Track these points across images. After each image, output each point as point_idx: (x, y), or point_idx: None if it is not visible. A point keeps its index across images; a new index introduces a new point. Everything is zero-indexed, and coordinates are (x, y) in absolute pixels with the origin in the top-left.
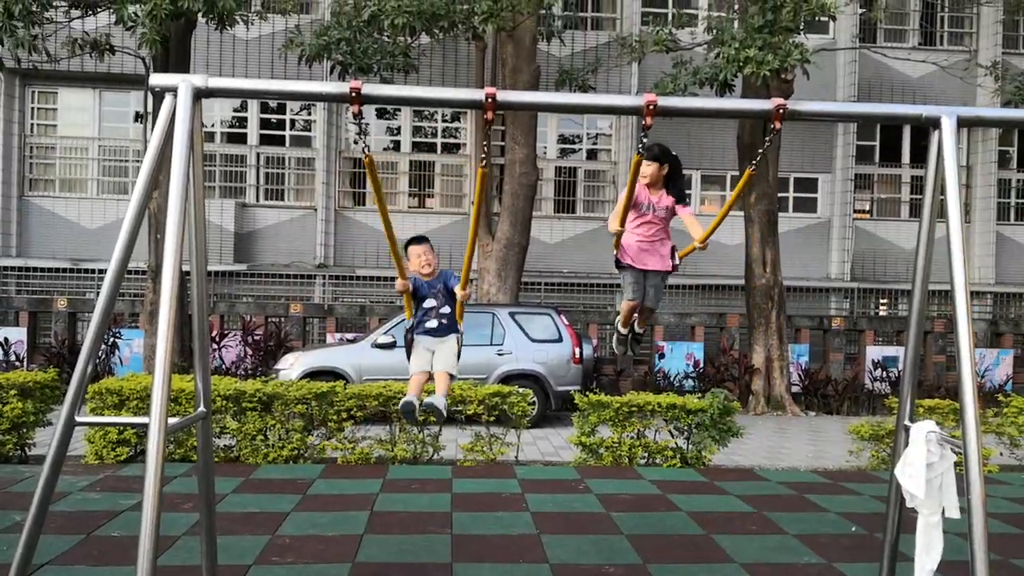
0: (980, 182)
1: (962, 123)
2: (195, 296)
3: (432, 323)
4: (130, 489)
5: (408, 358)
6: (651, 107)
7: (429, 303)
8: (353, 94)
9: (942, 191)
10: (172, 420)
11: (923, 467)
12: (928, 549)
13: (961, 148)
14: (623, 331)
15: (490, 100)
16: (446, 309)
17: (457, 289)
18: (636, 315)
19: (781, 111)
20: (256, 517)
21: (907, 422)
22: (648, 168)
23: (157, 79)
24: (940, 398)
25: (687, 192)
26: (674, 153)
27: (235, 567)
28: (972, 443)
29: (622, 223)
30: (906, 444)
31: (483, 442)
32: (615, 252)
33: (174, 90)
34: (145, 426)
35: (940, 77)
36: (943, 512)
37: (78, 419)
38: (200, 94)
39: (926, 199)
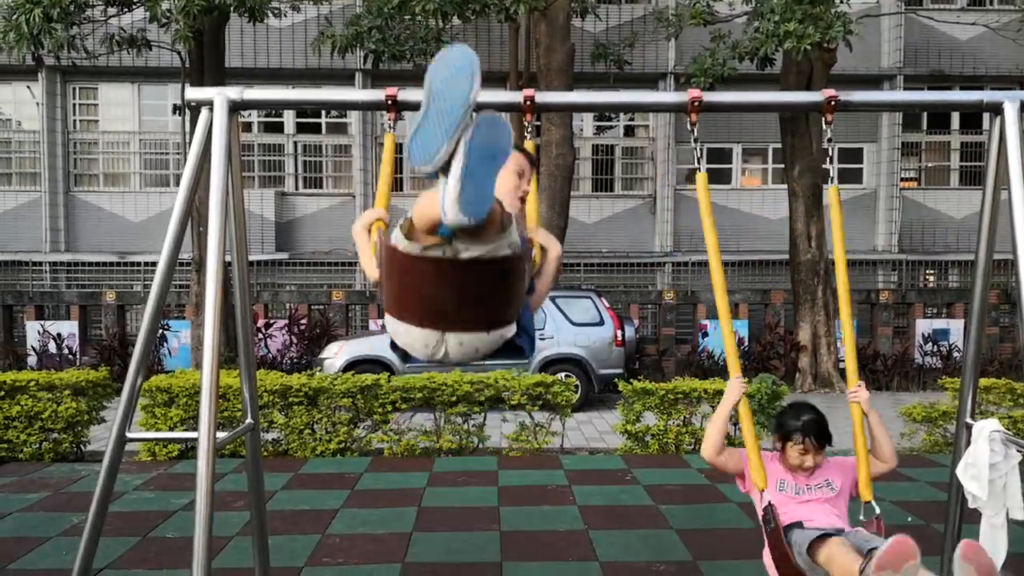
0: None
1: None
2: (238, 306)
3: None
4: (182, 487)
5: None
6: (695, 104)
7: None
8: (389, 101)
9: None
10: (221, 435)
11: (986, 467)
12: (993, 551)
13: None
14: None
15: (528, 102)
16: None
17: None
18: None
19: (832, 103)
20: (306, 515)
21: (969, 420)
22: (800, 458)
23: (193, 93)
24: (994, 373)
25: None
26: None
27: (287, 569)
28: None
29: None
30: (967, 443)
31: (528, 431)
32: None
33: (210, 104)
34: (195, 440)
35: (990, 39)
36: (1007, 513)
37: (129, 435)
38: (236, 107)
39: (987, 190)
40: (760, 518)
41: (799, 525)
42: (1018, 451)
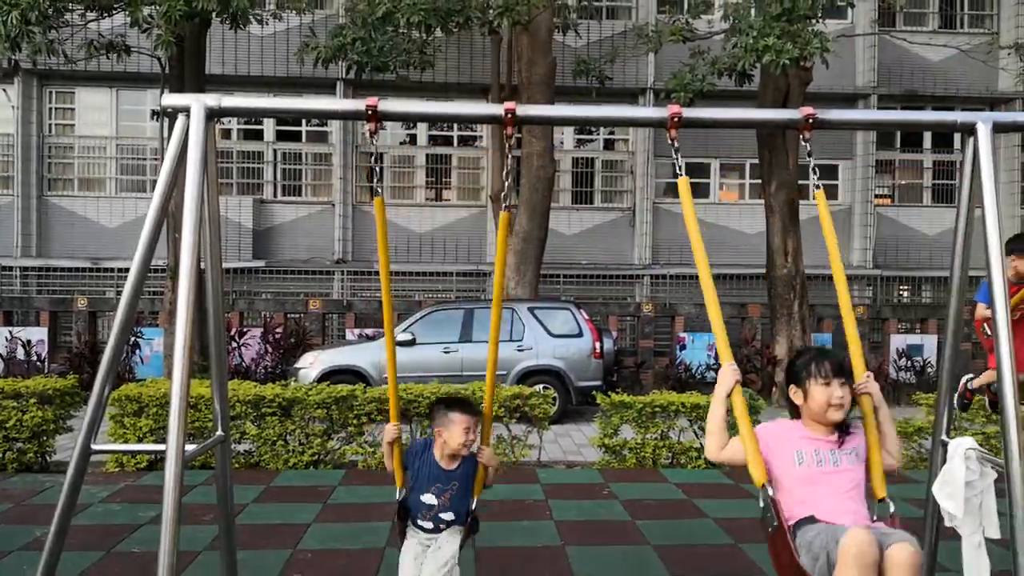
0: (1003, 166)
1: (998, 128)
2: (211, 315)
3: (427, 523)
4: (150, 500)
5: (399, 538)
6: (676, 119)
7: (428, 499)
8: (369, 112)
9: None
10: (190, 448)
11: (962, 485)
12: (978, 572)
13: None
14: None
15: (509, 115)
16: (448, 516)
17: (481, 451)
18: None
19: (810, 121)
20: (277, 530)
21: (944, 437)
22: (827, 392)
23: (170, 100)
24: None
25: None
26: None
27: None
28: (1013, 444)
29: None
30: (943, 461)
31: (505, 444)
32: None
33: (187, 110)
34: (163, 452)
35: (961, 60)
36: (983, 532)
37: (94, 446)
38: (213, 114)
39: (960, 209)
40: (761, 516)
41: (810, 520)
42: (993, 469)
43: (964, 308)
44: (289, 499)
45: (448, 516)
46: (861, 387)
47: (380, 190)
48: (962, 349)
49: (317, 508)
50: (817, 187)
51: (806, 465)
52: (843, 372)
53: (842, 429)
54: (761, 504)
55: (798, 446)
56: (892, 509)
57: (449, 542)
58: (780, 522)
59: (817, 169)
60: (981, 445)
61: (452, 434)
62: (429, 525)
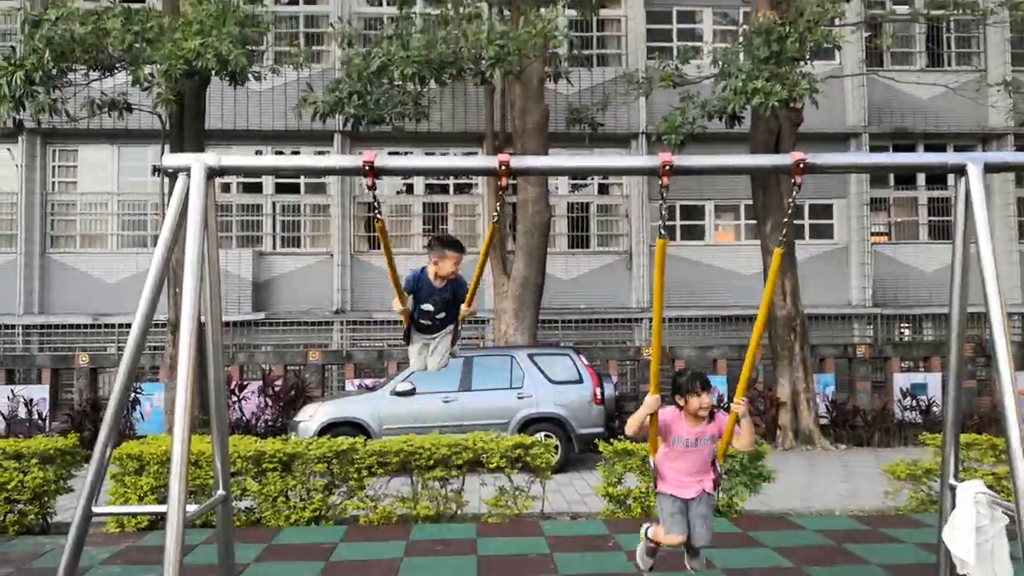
0: (999, 201)
1: (989, 169)
2: (211, 372)
3: (426, 322)
4: (151, 561)
5: (407, 341)
6: (667, 168)
7: (427, 307)
8: (367, 167)
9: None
10: (191, 508)
11: (972, 531)
12: None
13: None
14: (644, 566)
15: (504, 167)
16: (442, 315)
17: (463, 306)
18: (685, 552)
19: (801, 166)
20: None
21: (952, 481)
22: (699, 400)
23: (170, 160)
24: (973, 427)
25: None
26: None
27: None
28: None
29: (638, 432)
30: (953, 505)
31: (507, 496)
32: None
33: (187, 170)
34: (164, 513)
35: (950, 98)
36: None
37: (95, 509)
38: (213, 173)
39: (956, 248)
40: (651, 478)
41: (668, 496)
42: (1004, 513)
43: (966, 346)
44: (291, 557)
45: (442, 315)
46: (734, 406)
47: (379, 214)
48: (966, 386)
49: (319, 566)
50: (779, 244)
51: (679, 446)
52: (708, 386)
53: (710, 416)
54: (651, 467)
55: (678, 432)
56: (720, 471)
57: (443, 343)
58: (656, 483)
59: (800, 214)
60: (991, 486)
61: (444, 264)
62: (428, 323)
